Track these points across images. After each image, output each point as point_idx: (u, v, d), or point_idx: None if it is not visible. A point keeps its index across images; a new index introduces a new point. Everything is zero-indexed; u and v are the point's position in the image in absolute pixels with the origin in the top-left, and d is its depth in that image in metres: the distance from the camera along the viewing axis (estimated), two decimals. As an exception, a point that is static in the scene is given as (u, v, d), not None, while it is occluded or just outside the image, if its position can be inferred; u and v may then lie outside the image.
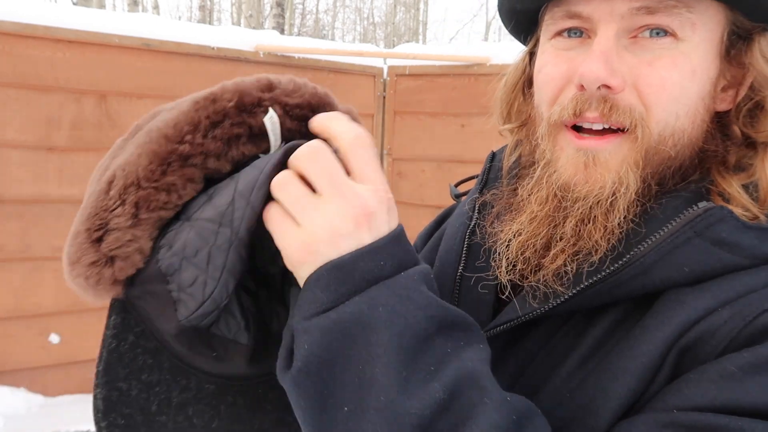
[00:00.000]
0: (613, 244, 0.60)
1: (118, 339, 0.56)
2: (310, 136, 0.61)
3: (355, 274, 0.50)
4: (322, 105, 0.61)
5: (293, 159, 0.53)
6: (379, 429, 0.48)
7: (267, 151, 0.59)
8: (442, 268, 0.77)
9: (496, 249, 0.69)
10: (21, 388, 2.98)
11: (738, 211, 0.57)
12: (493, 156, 0.83)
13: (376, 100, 3.69)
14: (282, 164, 0.54)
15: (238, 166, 0.58)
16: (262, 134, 0.57)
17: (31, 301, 2.93)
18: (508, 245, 0.67)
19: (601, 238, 0.60)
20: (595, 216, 0.61)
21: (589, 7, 0.61)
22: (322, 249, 0.51)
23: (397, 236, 0.53)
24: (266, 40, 3.37)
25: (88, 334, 3.02)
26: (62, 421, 2.81)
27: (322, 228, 0.50)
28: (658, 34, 0.59)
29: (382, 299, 0.50)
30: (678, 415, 0.50)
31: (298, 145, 0.54)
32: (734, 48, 0.62)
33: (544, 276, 0.62)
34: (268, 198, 0.53)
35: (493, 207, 0.74)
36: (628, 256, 0.58)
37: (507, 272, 0.67)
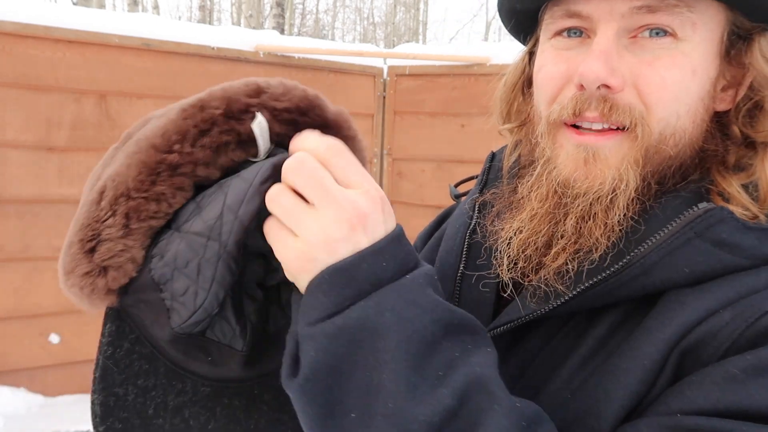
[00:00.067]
0: (613, 241, 0.60)
1: (113, 346, 0.57)
2: None
3: (358, 276, 0.50)
4: (312, 108, 0.60)
5: (283, 173, 0.53)
6: None
7: (256, 155, 0.59)
8: (442, 268, 0.77)
9: (497, 247, 0.69)
10: (21, 388, 2.98)
11: (738, 210, 0.57)
12: (493, 156, 0.83)
13: (376, 100, 3.69)
14: (269, 178, 0.54)
15: (228, 171, 0.58)
16: (251, 140, 0.57)
17: (31, 301, 2.92)
18: (509, 243, 0.67)
19: (602, 236, 0.60)
20: (595, 213, 0.61)
21: (589, 6, 0.61)
22: (320, 256, 0.50)
23: (397, 237, 0.53)
24: (266, 40, 3.37)
25: (88, 334, 3.02)
26: (62, 421, 2.81)
27: (317, 235, 0.50)
28: (657, 33, 0.59)
29: (388, 304, 0.49)
30: (681, 419, 0.49)
31: (285, 159, 0.54)
32: (734, 48, 0.62)
33: (545, 275, 0.62)
34: (258, 211, 0.54)
35: (493, 206, 0.74)
36: (628, 256, 0.58)
37: (508, 270, 0.67)
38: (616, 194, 0.60)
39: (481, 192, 0.79)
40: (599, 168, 0.61)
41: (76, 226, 0.56)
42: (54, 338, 3.02)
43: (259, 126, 0.57)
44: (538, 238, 0.64)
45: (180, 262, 0.54)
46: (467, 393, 0.48)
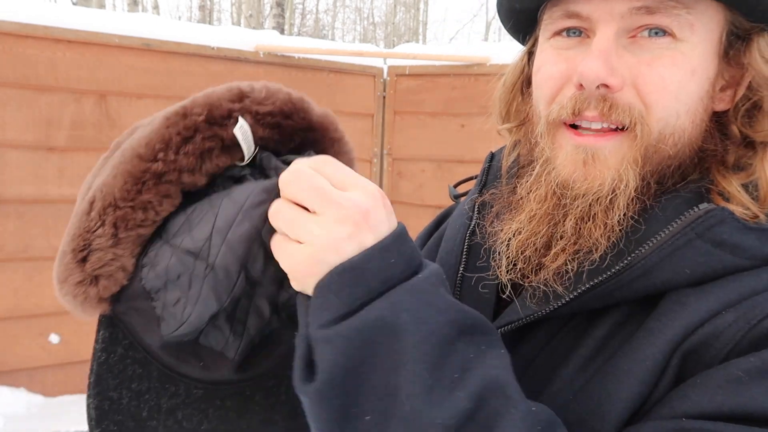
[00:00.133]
0: (613, 241, 0.60)
1: (107, 352, 0.58)
2: (284, 143, 0.61)
3: (367, 274, 0.49)
4: (296, 111, 0.61)
5: (281, 186, 0.53)
6: None
7: (242, 159, 0.59)
8: (442, 269, 0.77)
9: (496, 249, 0.69)
10: (21, 388, 2.98)
11: (738, 210, 0.57)
12: (492, 156, 0.83)
13: (376, 100, 3.69)
14: (260, 203, 0.55)
15: (215, 177, 0.59)
16: (236, 145, 0.58)
17: (31, 301, 2.92)
18: (507, 244, 0.67)
19: (602, 236, 0.60)
20: (595, 213, 0.61)
21: (588, 6, 0.61)
22: (328, 257, 0.50)
23: (402, 233, 0.53)
24: (266, 40, 3.37)
25: (88, 334, 3.01)
26: (62, 421, 2.81)
27: (322, 237, 0.50)
28: (657, 33, 0.59)
29: (404, 304, 0.49)
30: (686, 423, 0.49)
31: (275, 183, 0.55)
32: (733, 48, 0.62)
33: (545, 276, 0.62)
34: (250, 236, 0.54)
35: (492, 207, 0.74)
36: (629, 257, 0.58)
37: (507, 271, 0.66)
38: (616, 194, 0.60)
39: (480, 192, 0.79)
40: (598, 169, 0.61)
41: (69, 236, 0.57)
42: (54, 338, 3.02)
43: (241, 130, 0.57)
44: (537, 239, 0.64)
45: (172, 275, 0.56)
46: (484, 396, 0.48)
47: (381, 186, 3.73)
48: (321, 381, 0.48)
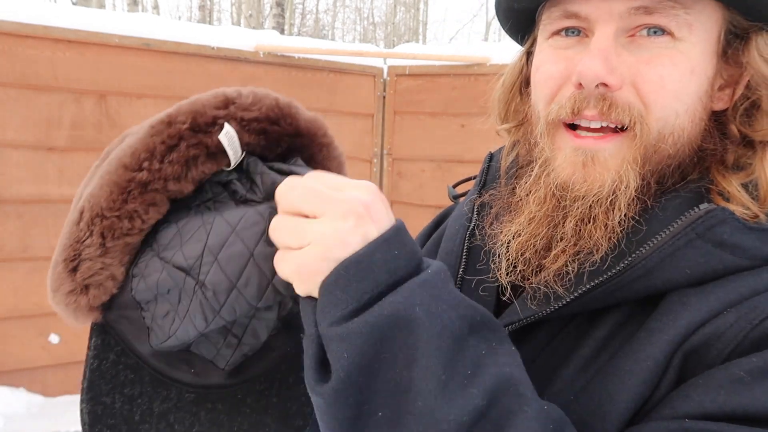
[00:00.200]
0: (613, 243, 0.60)
1: (99, 359, 0.59)
2: (271, 148, 0.62)
3: (373, 267, 0.49)
4: (282, 117, 0.61)
5: (278, 200, 0.53)
6: None
7: (228, 165, 0.60)
8: None
9: (495, 251, 0.69)
10: (20, 388, 2.98)
11: (738, 210, 0.57)
12: (491, 157, 0.83)
13: (376, 100, 3.69)
14: (254, 224, 0.55)
15: (203, 182, 0.60)
16: (221, 151, 0.58)
17: (31, 301, 2.92)
18: (507, 247, 0.67)
19: (602, 237, 0.60)
20: (595, 215, 0.60)
21: (587, 7, 0.61)
22: (334, 253, 0.49)
23: (403, 227, 0.53)
24: (266, 40, 3.37)
25: (87, 335, 3.01)
26: (62, 421, 2.81)
27: (328, 234, 0.50)
28: (655, 32, 0.59)
29: (417, 298, 0.48)
30: (688, 423, 0.49)
31: (270, 207, 0.56)
32: (731, 47, 0.62)
33: (545, 277, 0.62)
34: (240, 255, 0.55)
35: (491, 208, 0.74)
36: (630, 258, 0.58)
37: (507, 274, 0.66)
38: (617, 195, 0.60)
39: (479, 193, 0.79)
40: (598, 171, 0.61)
41: (61, 245, 0.58)
42: (54, 338, 3.02)
43: (227, 136, 0.58)
44: (537, 241, 0.64)
45: (162, 290, 0.56)
46: (497, 393, 0.48)
47: (381, 186, 3.73)
48: (338, 380, 0.48)
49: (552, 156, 0.65)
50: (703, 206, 0.57)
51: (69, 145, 2.91)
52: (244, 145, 0.60)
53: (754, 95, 0.62)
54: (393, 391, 0.48)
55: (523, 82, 0.76)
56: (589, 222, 0.61)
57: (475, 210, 0.77)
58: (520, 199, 0.68)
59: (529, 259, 0.64)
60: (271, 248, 0.54)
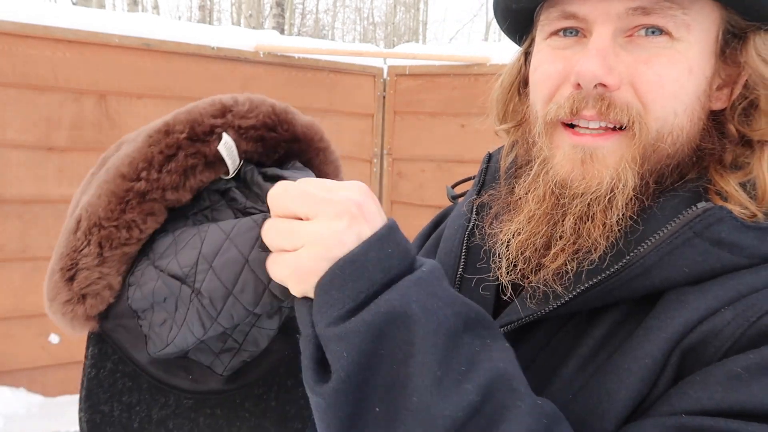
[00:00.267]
0: (612, 242, 0.60)
1: (96, 368, 0.59)
2: (268, 154, 0.62)
3: (368, 266, 0.49)
4: (279, 123, 0.62)
5: (270, 203, 0.53)
6: (411, 431, 0.47)
7: (227, 173, 0.59)
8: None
9: (495, 250, 0.69)
10: (21, 388, 2.98)
11: (736, 209, 0.57)
12: (490, 157, 0.83)
13: (376, 100, 3.69)
14: (248, 230, 0.55)
15: (200, 191, 0.60)
16: (219, 160, 0.59)
17: (31, 301, 2.92)
18: (507, 246, 0.67)
19: (600, 236, 0.60)
20: (593, 213, 0.61)
21: (585, 7, 0.61)
22: (330, 252, 0.49)
23: (395, 226, 0.53)
24: (266, 40, 3.37)
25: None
26: (62, 421, 2.81)
27: (322, 234, 0.50)
28: (653, 32, 0.59)
29: (412, 295, 0.49)
30: (686, 419, 0.49)
31: (263, 216, 0.56)
32: (729, 47, 0.62)
33: (544, 276, 0.62)
34: (235, 261, 0.55)
35: (491, 208, 0.74)
36: (628, 257, 0.58)
37: (507, 273, 0.66)
38: (614, 194, 0.60)
39: (478, 193, 0.79)
40: (597, 168, 0.61)
41: (57, 254, 0.58)
42: (54, 338, 3.02)
43: (226, 146, 0.58)
44: (536, 239, 0.64)
45: (158, 298, 0.56)
46: (491, 389, 0.48)
47: (381, 186, 3.74)
48: (338, 380, 0.48)
49: (550, 154, 0.65)
50: (701, 205, 0.58)
51: (69, 145, 2.91)
52: (242, 153, 0.60)
53: (752, 95, 0.62)
54: (390, 387, 0.48)
55: (521, 83, 0.76)
56: (588, 220, 0.61)
57: (474, 210, 0.77)
58: (520, 198, 0.68)
59: (529, 257, 0.65)
60: (266, 253, 0.54)
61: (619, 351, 0.57)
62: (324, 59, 3.49)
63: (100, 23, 2.93)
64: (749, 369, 0.49)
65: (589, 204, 0.61)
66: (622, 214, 0.60)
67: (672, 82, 0.59)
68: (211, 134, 0.58)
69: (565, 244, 0.62)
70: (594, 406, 0.56)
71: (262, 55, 3.29)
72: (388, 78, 3.68)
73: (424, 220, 0.96)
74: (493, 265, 0.69)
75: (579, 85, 0.60)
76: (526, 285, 0.65)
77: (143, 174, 0.56)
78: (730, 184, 0.59)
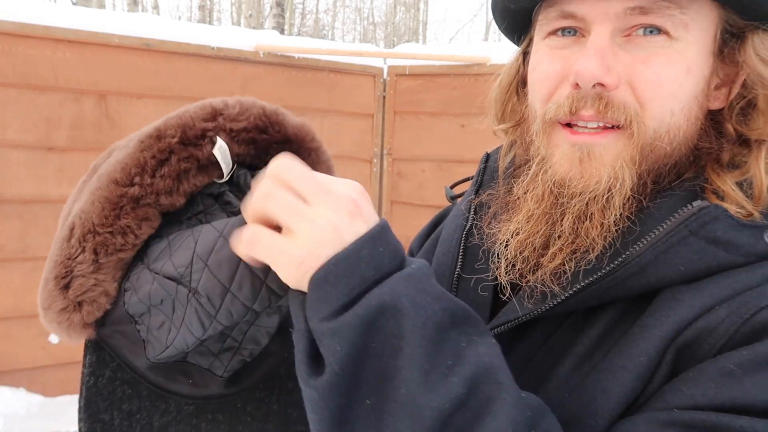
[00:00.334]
0: (609, 241, 0.60)
1: (95, 376, 0.59)
2: (260, 157, 0.62)
3: (360, 263, 0.50)
4: (270, 125, 0.62)
5: (273, 172, 0.51)
6: (399, 423, 0.48)
7: (221, 176, 0.59)
8: (439, 270, 0.78)
9: (494, 250, 0.69)
10: (21, 388, 2.98)
11: (732, 208, 0.57)
12: (488, 157, 0.83)
13: (376, 100, 3.69)
14: (242, 226, 0.54)
15: (194, 195, 0.60)
16: (212, 163, 0.59)
17: (31, 301, 2.91)
18: (506, 245, 0.67)
19: (598, 236, 0.60)
20: (592, 213, 0.61)
21: (583, 7, 0.61)
22: (328, 246, 0.50)
23: (387, 224, 0.54)
24: (266, 40, 3.37)
25: (88, 334, 3.01)
26: (62, 421, 2.81)
27: (322, 226, 0.50)
28: (651, 32, 0.59)
29: (402, 290, 0.50)
30: (678, 414, 0.50)
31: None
32: (727, 46, 0.62)
33: (542, 275, 0.62)
34: (229, 257, 0.54)
35: (489, 207, 0.74)
36: (624, 255, 0.58)
37: (506, 273, 0.67)
38: (612, 193, 0.60)
39: (476, 193, 0.79)
40: (594, 166, 0.61)
41: (51, 262, 0.57)
42: (54, 338, 3.02)
43: (220, 150, 0.58)
44: (535, 238, 0.65)
45: (154, 300, 0.56)
46: (476, 382, 0.49)
47: (381, 186, 3.74)
48: (332, 373, 0.49)
49: (549, 153, 0.65)
50: (697, 203, 0.58)
51: (69, 145, 2.91)
52: (234, 156, 0.60)
53: (750, 94, 0.62)
54: (379, 379, 0.49)
55: (519, 82, 0.76)
56: (586, 220, 0.61)
57: (472, 210, 0.77)
58: (518, 198, 0.68)
59: (528, 257, 0.65)
60: None
61: (614, 349, 0.58)
62: (324, 59, 3.49)
63: (100, 23, 2.93)
64: (742, 365, 0.50)
65: (587, 203, 0.61)
66: (620, 214, 0.60)
67: (670, 81, 0.59)
68: (203, 138, 0.58)
69: (563, 244, 0.62)
70: (588, 404, 0.56)
71: (262, 55, 3.29)
72: (388, 78, 3.68)
73: (424, 220, 0.96)
74: (491, 265, 0.69)
75: (577, 84, 0.60)
76: (523, 284, 0.65)
77: (137, 179, 0.56)
78: (727, 183, 0.59)
